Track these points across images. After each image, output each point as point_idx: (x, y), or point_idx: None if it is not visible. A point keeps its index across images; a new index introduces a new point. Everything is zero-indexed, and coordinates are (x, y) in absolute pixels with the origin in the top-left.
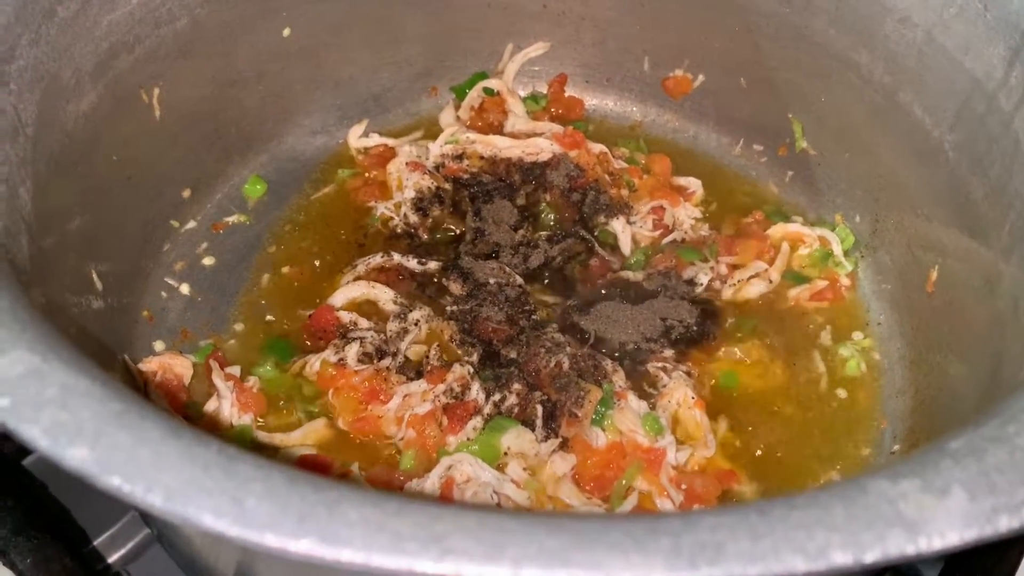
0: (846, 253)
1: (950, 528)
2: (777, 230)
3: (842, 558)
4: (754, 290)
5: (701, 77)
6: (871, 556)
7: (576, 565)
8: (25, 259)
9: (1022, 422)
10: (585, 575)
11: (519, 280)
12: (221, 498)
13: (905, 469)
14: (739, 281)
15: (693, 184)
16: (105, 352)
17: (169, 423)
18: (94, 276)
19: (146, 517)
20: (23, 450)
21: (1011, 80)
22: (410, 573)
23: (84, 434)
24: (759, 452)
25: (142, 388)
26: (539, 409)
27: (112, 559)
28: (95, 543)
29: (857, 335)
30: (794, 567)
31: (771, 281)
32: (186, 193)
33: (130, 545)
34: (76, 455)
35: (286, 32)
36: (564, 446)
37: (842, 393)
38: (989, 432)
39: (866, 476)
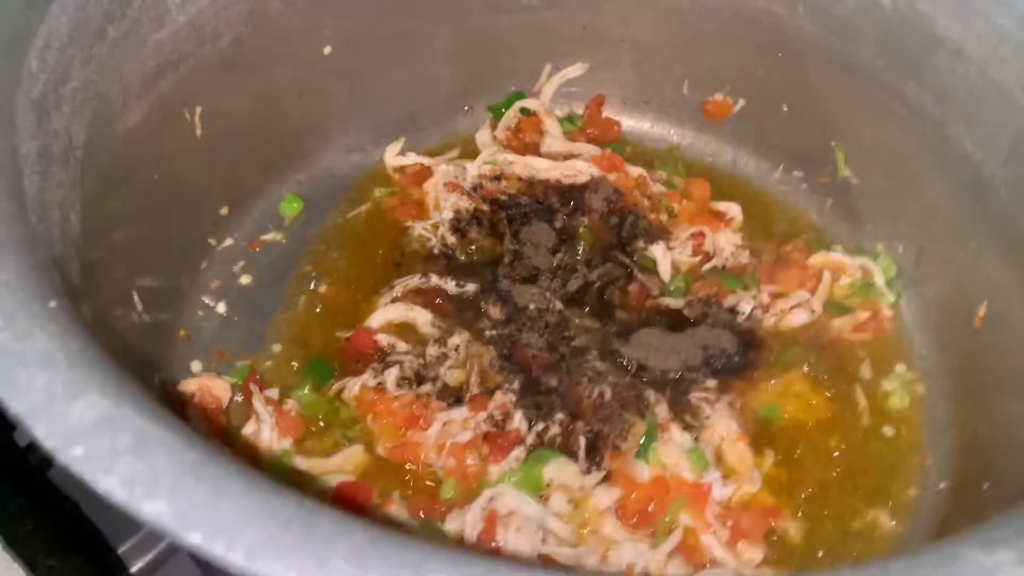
0: (888, 284)
1: None
2: (818, 259)
3: None
4: (796, 320)
5: (742, 102)
6: None
7: None
8: (76, 280)
9: None
10: None
11: (559, 305)
12: (304, 556)
13: (999, 536)
14: (781, 310)
15: (732, 210)
16: (144, 370)
17: (246, 474)
18: (134, 294)
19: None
20: (49, 460)
21: None
22: None
23: (161, 486)
24: (803, 487)
25: (180, 410)
26: (582, 440)
27: (135, 568)
28: (119, 552)
29: (900, 368)
30: None
31: (813, 311)
32: (224, 211)
33: (153, 553)
34: (154, 509)
35: (327, 50)
36: (607, 479)
37: (886, 427)
38: None
39: (956, 542)
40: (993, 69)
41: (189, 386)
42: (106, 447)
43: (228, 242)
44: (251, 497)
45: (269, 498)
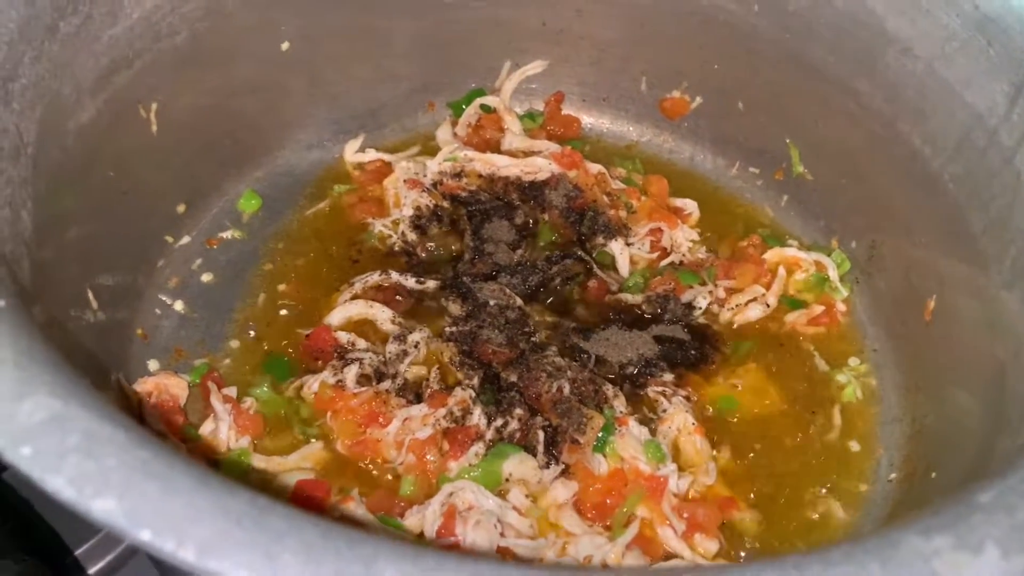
0: (842, 278)
1: None
2: (774, 254)
3: None
4: (752, 314)
5: (699, 99)
6: None
7: None
8: (27, 279)
9: None
10: None
11: (519, 302)
12: (255, 553)
13: (937, 523)
14: (737, 305)
15: (690, 206)
16: (99, 370)
17: (196, 471)
18: (89, 293)
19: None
20: (2, 464)
21: (1014, 116)
22: None
23: (111, 484)
24: (758, 479)
25: (136, 409)
26: (540, 435)
27: (92, 571)
28: (76, 553)
29: (853, 361)
30: None
31: (768, 305)
32: (181, 208)
33: (111, 556)
34: (103, 507)
35: (284, 46)
36: (566, 472)
37: (838, 419)
38: (1016, 484)
39: (897, 530)
40: (940, 66)
41: (146, 385)
42: (55, 446)
43: (185, 240)
44: (202, 494)
45: (220, 495)
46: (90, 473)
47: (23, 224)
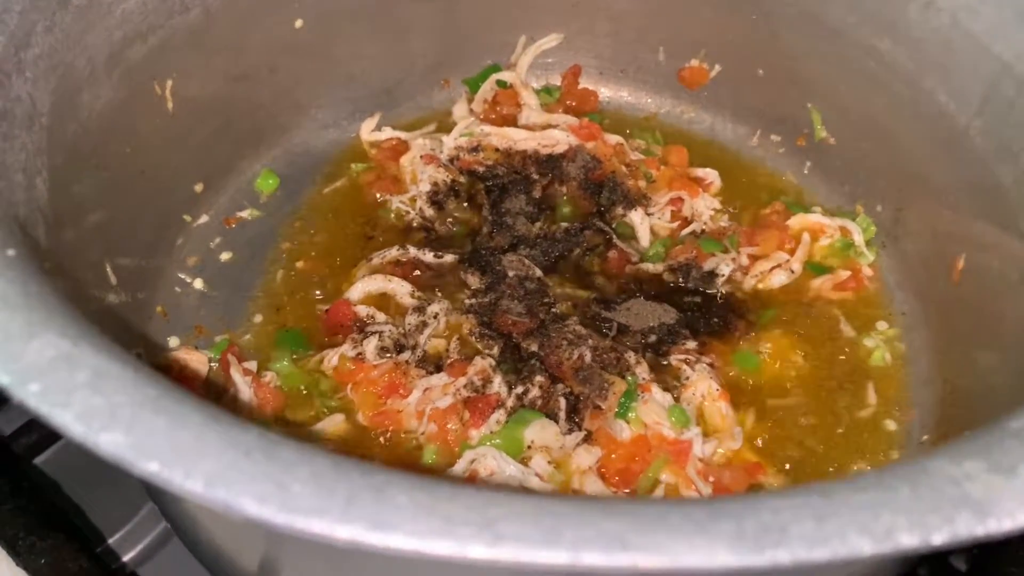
0: (867, 243)
1: (1020, 509)
2: (797, 220)
3: (909, 540)
4: (776, 281)
5: (717, 67)
6: (939, 538)
7: (637, 549)
8: (43, 250)
9: None
10: (647, 559)
11: (538, 272)
12: (265, 483)
13: (968, 449)
14: (761, 272)
15: (711, 175)
16: (121, 346)
17: (207, 408)
18: (108, 270)
19: (164, 510)
20: (35, 448)
21: None
22: (462, 559)
23: (119, 419)
24: (785, 444)
25: None
26: (562, 402)
27: (127, 557)
28: (109, 541)
29: (881, 325)
30: (860, 549)
31: (793, 271)
32: (198, 187)
33: (145, 543)
34: (111, 440)
35: (298, 23)
36: (588, 439)
37: (867, 384)
38: None
39: (927, 457)
40: (965, 18)
41: (166, 361)
42: (63, 383)
43: (204, 219)
44: (211, 428)
45: (229, 429)
46: (98, 408)
47: (38, 192)
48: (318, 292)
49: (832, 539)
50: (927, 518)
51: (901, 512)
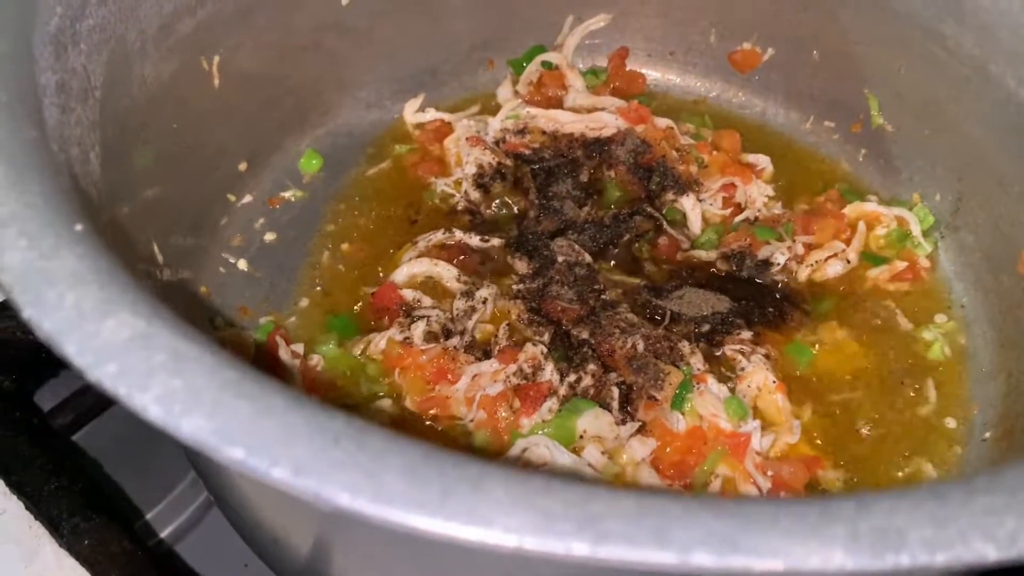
0: (925, 233)
1: None
2: (853, 209)
3: None
4: (831, 271)
5: (771, 50)
6: None
7: (750, 552)
8: (99, 228)
9: None
10: (762, 563)
11: (588, 258)
12: (356, 473)
13: None
14: (816, 261)
15: (762, 161)
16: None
17: (290, 392)
18: (156, 249)
19: (206, 479)
20: (75, 424)
21: None
22: (565, 558)
23: (201, 402)
24: (843, 438)
25: None
26: (615, 391)
27: (164, 533)
28: (147, 517)
29: (940, 318)
30: (984, 555)
31: (849, 261)
32: (242, 166)
33: (182, 519)
34: (193, 425)
35: (344, 1)
36: (643, 430)
37: (926, 378)
38: None
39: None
40: None
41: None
42: (141, 364)
43: (247, 199)
44: (296, 414)
45: (315, 415)
46: (178, 391)
47: (92, 167)
48: (364, 275)
49: (955, 544)
50: None
51: None
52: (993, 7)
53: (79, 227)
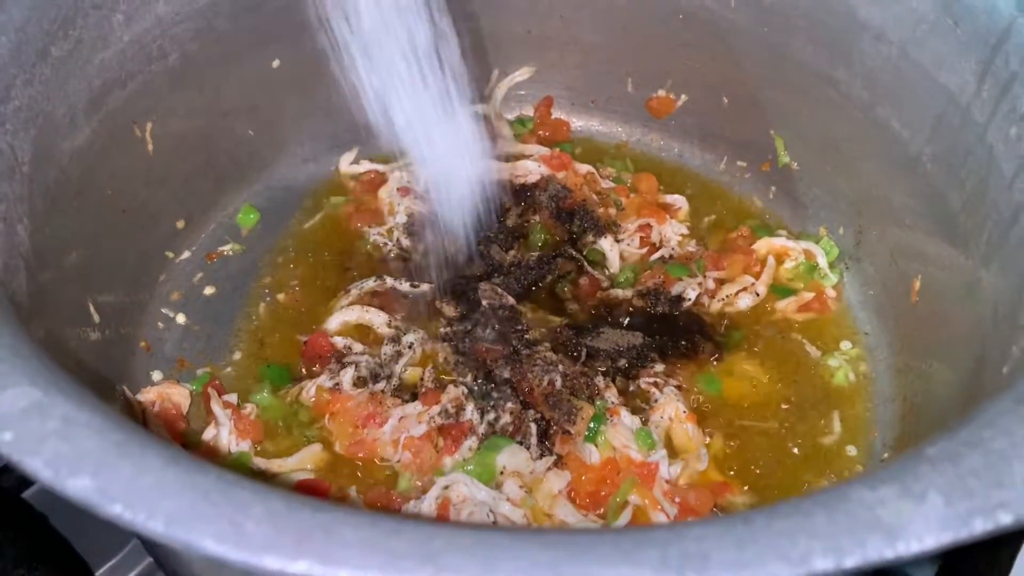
0: (831, 265)
1: (927, 532)
2: (763, 244)
3: (823, 564)
4: (742, 304)
5: (684, 97)
6: (851, 561)
7: None
8: (24, 294)
9: (997, 427)
10: None
11: (511, 300)
12: (221, 523)
13: (885, 476)
14: (727, 295)
15: (679, 201)
16: (103, 383)
17: (169, 451)
18: (91, 308)
19: (148, 545)
20: (23, 482)
21: (983, 93)
22: None
23: (85, 464)
24: (750, 464)
25: (141, 418)
26: (533, 427)
27: None
28: (96, 574)
29: (845, 345)
30: (777, 574)
31: (758, 294)
32: (180, 224)
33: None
34: (78, 485)
35: (275, 63)
36: (559, 463)
37: (832, 403)
38: (965, 437)
39: (847, 484)
40: (912, 48)
41: (149, 395)
42: (34, 431)
43: (186, 255)
44: (172, 471)
45: (189, 472)
46: (66, 455)
47: (19, 239)
48: (299, 324)
49: (752, 564)
50: (840, 542)
51: (816, 537)
52: (875, 53)
53: None
